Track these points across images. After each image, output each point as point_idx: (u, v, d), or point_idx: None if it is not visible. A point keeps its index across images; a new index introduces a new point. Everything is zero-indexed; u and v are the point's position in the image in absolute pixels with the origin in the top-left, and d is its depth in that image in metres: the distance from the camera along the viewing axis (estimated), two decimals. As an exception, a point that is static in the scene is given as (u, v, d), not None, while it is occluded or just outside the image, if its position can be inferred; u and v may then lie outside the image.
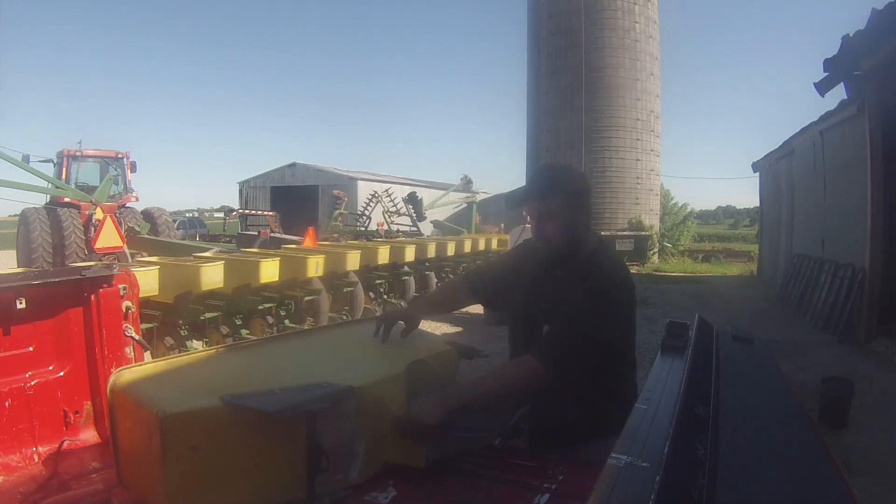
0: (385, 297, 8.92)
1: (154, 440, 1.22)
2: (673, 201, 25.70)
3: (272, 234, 12.40)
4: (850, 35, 6.47)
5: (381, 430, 1.46)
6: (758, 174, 15.76)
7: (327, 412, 1.34)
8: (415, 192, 17.24)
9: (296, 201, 25.04)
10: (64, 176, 11.73)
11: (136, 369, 1.47)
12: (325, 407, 1.33)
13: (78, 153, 12.22)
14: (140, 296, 2.24)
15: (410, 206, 16.21)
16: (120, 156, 12.73)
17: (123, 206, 11.94)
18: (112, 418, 1.41)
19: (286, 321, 6.65)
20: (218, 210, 25.22)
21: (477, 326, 8.34)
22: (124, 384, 1.39)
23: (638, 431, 0.81)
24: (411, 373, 1.57)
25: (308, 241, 9.61)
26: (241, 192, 27.95)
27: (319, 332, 2.03)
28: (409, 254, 9.28)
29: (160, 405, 1.24)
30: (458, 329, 8.38)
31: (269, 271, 6.32)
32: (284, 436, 1.32)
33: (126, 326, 2.10)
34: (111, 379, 1.42)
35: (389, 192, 17.55)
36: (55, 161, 12.14)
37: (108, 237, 8.48)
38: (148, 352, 2.30)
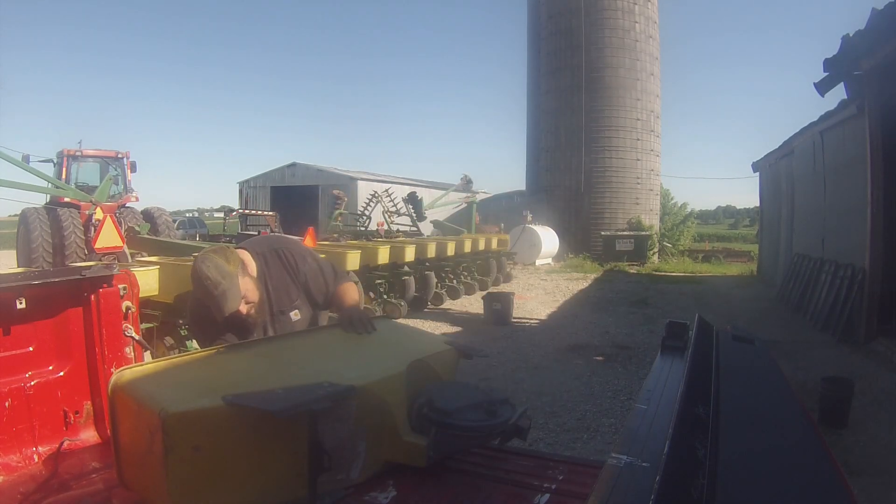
0: (385, 297, 8.92)
1: (156, 440, 1.22)
2: (673, 201, 25.70)
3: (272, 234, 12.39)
4: (850, 35, 6.47)
5: (382, 430, 1.46)
6: (758, 174, 15.76)
7: (329, 412, 1.34)
8: (415, 192, 17.20)
9: (296, 201, 25.03)
10: (64, 176, 11.72)
11: (137, 369, 1.47)
12: (327, 406, 1.32)
13: (78, 153, 12.21)
14: (140, 296, 2.24)
15: (410, 206, 16.18)
16: (120, 156, 12.72)
17: (123, 206, 11.92)
18: (113, 418, 1.40)
19: (286, 321, 6.64)
20: (218, 210, 25.22)
21: (477, 326, 8.34)
22: (125, 384, 1.38)
23: (638, 431, 0.81)
24: (412, 372, 1.57)
25: (308, 241, 9.60)
26: (241, 192, 27.92)
27: (320, 332, 2.03)
28: (409, 254, 9.28)
29: (162, 405, 1.23)
30: (458, 329, 8.38)
31: (269, 271, 6.30)
32: (286, 435, 1.32)
33: (126, 326, 2.10)
34: (112, 379, 1.41)
35: (389, 192, 17.53)
36: (55, 161, 12.12)
37: (108, 237, 8.46)
38: (148, 352, 2.30)
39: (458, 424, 1.46)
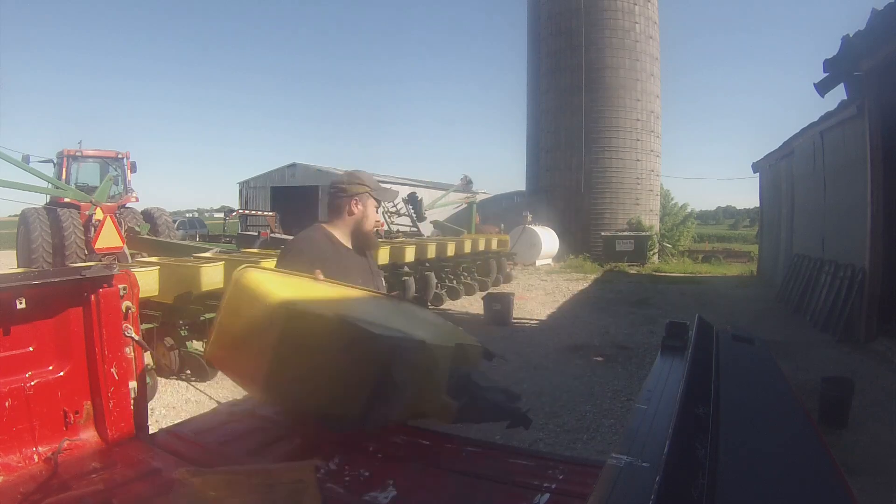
0: (385, 297, 8.91)
1: (273, 330, 1.48)
2: (673, 201, 25.69)
3: (272, 235, 12.41)
4: (850, 35, 6.47)
5: (427, 384, 1.63)
6: (758, 174, 15.76)
7: (407, 351, 1.51)
8: (415, 193, 17.19)
9: (296, 201, 25.00)
10: (64, 176, 11.71)
11: (262, 271, 1.73)
12: (410, 347, 1.52)
13: (78, 153, 12.20)
14: (140, 296, 2.24)
15: (410, 207, 16.18)
16: (120, 156, 12.71)
17: (123, 206, 11.91)
18: (231, 305, 1.67)
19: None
20: (218, 210, 25.29)
21: (477, 327, 8.34)
22: (253, 278, 1.63)
23: (638, 431, 0.81)
24: (455, 351, 1.76)
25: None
26: (241, 192, 27.90)
27: (390, 298, 2.29)
28: (409, 254, 9.28)
29: (292, 304, 1.50)
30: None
31: (270, 271, 6.30)
32: (366, 361, 1.47)
33: (126, 326, 2.10)
34: (236, 273, 1.69)
35: (389, 192, 17.50)
36: (55, 161, 12.11)
37: (108, 237, 8.47)
38: (148, 352, 2.30)
39: (488, 397, 1.71)
